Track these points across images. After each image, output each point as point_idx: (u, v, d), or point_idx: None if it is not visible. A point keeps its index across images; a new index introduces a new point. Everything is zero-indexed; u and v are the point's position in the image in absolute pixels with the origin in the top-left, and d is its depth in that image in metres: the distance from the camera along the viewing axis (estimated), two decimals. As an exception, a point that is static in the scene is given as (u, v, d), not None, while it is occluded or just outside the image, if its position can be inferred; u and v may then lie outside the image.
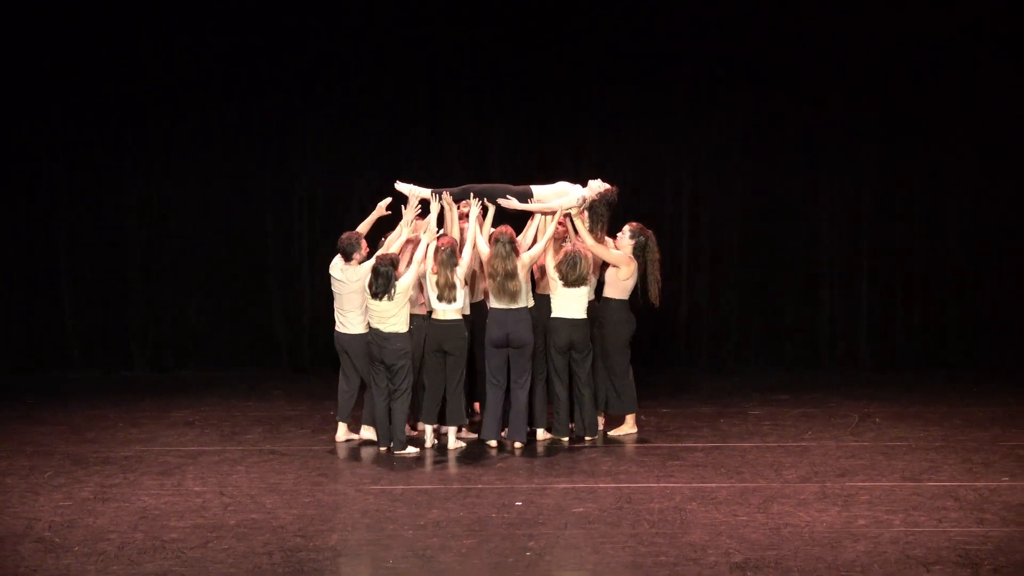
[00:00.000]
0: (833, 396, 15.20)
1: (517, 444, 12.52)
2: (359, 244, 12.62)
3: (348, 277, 12.50)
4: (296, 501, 10.62)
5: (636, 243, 12.97)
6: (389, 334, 12.23)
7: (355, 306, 12.51)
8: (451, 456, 12.24)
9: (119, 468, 11.74)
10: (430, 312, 12.46)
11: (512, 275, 12.29)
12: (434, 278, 12.26)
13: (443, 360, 12.39)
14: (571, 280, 12.48)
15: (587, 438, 12.76)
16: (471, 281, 12.80)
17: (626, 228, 13.05)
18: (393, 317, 12.20)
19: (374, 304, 12.18)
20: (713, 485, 11.01)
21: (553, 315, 12.62)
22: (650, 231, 13.10)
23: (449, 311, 12.31)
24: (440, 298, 12.27)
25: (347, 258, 12.57)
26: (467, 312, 12.68)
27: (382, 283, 12.12)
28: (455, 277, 12.23)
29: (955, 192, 17.06)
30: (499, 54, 17.03)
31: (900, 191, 17.11)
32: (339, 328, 12.72)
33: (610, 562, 9.02)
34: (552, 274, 12.59)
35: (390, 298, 12.12)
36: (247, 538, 9.55)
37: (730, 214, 17.23)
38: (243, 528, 9.80)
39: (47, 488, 11.04)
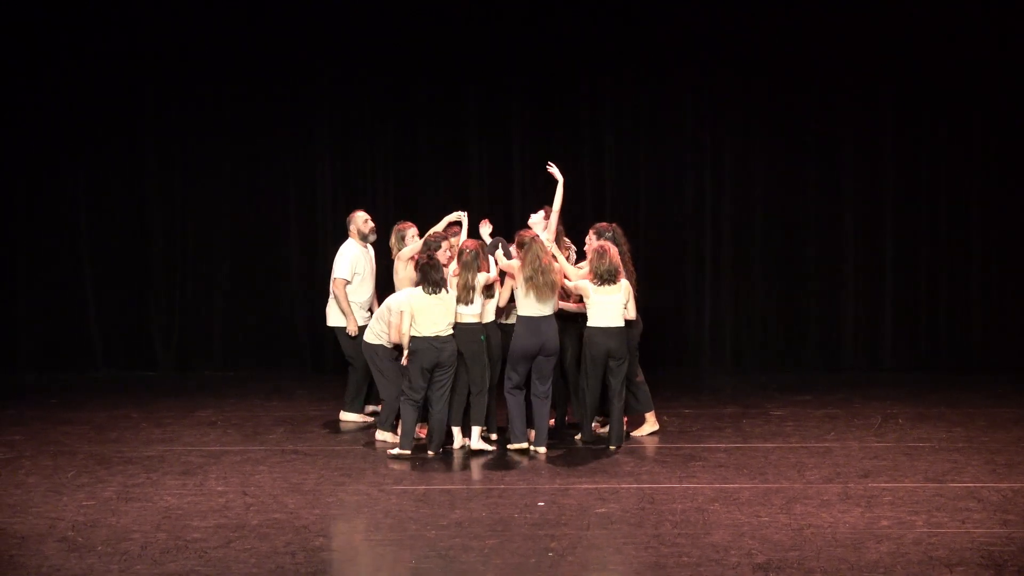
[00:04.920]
0: (856, 397, 15.17)
1: (542, 450, 12.42)
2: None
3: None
4: (319, 501, 10.64)
5: (605, 240, 12.80)
6: (449, 336, 12.25)
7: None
8: (474, 459, 12.19)
9: (142, 468, 11.77)
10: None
11: (548, 268, 12.20)
12: (454, 280, 12.24)
13: (463, 363, 12.37)
14: (603, 272, 12.22)
15: (612, 447, 12.49)
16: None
17: (591, 233, 12.86)
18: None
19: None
20: (736, 486, 11.00)
21: (589, 324, 12.34)
22: (614, 223, 13.00)
23: (466, 314, 12.26)
24: (458, 300, 12.24)
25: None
26: (491, 319, 12.58)
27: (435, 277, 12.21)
28: (475, 280, 12.20)
29: (980, 193, 16.99)
30: (519, 49, 17.03)
31: (924, 191, 17.06)
32: (380, 341, 12.82)
33: (632, 563, 9.02)
34: (582, 285, 12.34)
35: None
36: (269, 538, 9.56)
37: (752, 213, 17.20)
38: (265, 528, 9.81)
39: (70, 488, 11.07)
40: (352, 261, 13.65)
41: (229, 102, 17.17)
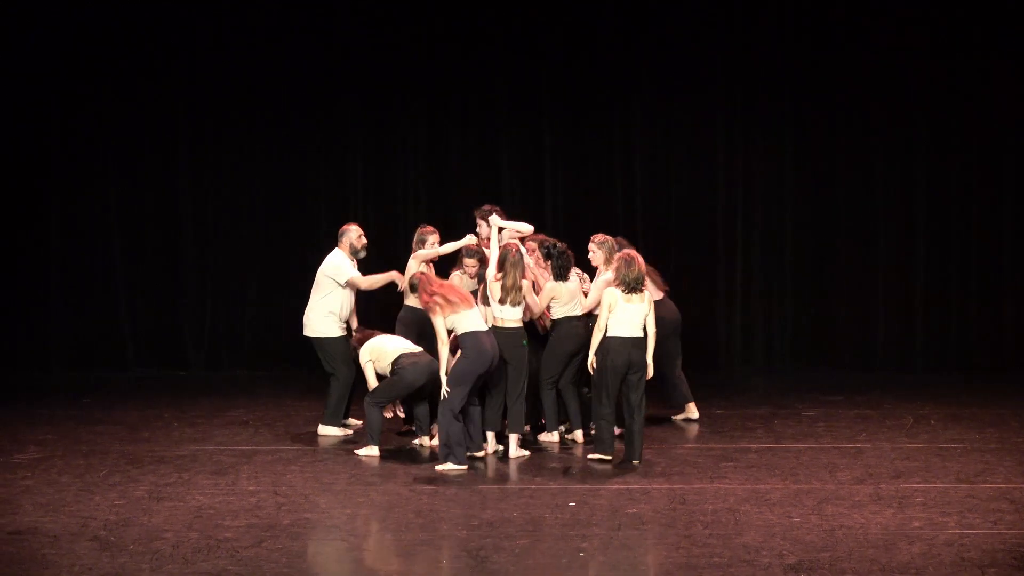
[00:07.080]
0: (888, 397, 15.15)
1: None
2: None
3: None
4: (350, 501, 10.66)
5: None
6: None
7: None
8: (512, 463, 12.09)
9: (174, 467, 11.80)
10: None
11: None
12: (497, 284, 12.12)
13: (504, 368, 12.22)
14: (630, 280, 11.80)
15: (635, 462, 11.90)
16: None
17: (606, 242, 12.78)
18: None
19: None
20: (767, 486, 10.98)
21: (610, 334, 11.86)
22: (624, 241, 12.87)
23: (509, 319, 12.17)
24: (503, 301, 12.11)
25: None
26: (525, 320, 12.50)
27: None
28: (520, 280, 12.10)
29: (1011, 194, 16.97)
30: (553, 59, 17.10)
31: (955, 192, 17.03)
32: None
33: (663, 563, 9.01)
34: (607, 293, 11.93)
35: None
36: (301, 537, 9.58)
37: (784, 214, 17.20)
38: (297, 527, 9.83)
39: (102, 487, 11.10)
40: (349, 265, 13.50)
41: (260, 102, 17.25)
